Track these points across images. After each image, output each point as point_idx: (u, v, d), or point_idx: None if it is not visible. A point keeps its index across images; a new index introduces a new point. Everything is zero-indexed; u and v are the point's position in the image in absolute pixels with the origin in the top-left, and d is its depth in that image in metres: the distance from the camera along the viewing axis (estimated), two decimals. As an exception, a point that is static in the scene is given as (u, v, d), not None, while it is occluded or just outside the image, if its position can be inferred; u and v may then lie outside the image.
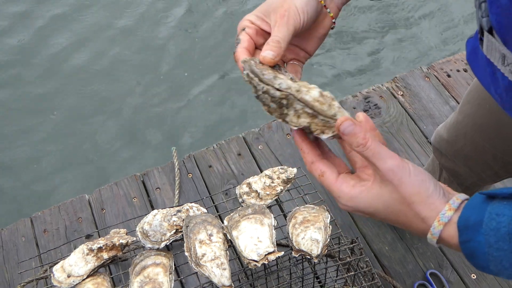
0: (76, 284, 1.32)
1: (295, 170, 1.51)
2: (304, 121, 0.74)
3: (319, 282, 1.71)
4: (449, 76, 2.49)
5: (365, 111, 2.36)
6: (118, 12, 3.94)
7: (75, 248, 1.40)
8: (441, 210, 0.65)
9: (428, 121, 2.32)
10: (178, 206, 1.48)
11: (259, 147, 2.24)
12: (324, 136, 0.73)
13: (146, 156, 3.09)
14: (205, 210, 1.47)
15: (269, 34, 0.83)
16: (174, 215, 1.41)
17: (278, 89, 0.74)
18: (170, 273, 1.31)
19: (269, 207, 1.45)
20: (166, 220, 1.40)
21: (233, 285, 1.27)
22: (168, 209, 1.46)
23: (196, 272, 1.30)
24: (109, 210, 2.08)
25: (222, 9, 3.99)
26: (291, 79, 0.77)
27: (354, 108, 2.37)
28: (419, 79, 2.49)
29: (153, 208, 2.06)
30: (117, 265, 1.76)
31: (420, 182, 0.66)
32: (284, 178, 1.48)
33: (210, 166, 2.19)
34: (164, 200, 2.09)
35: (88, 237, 1.97)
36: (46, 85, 3.50)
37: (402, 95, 2.42)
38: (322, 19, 0.87)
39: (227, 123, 3.26)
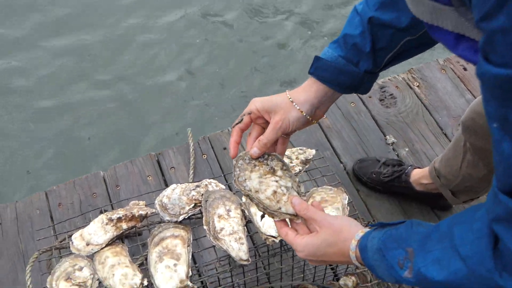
0: (95, 252, 1.34)
1: (313, 151, 1.52)
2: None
3: (331, 265, 1.72)
4: (465, 69, 2.48)
5: (380, 100, 2.37)
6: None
7: (90, 221, 1.42)
8: (357, 232, 0.94)
9: (444, 113, 2.32)
10: (196, 181, 1.49)
11: (274, 132, 2.24)
12: (275, 219, 1.03)
13: (160, 138, 3.11)
14: (223, 186, 1.48)
15: (267, 122, 1.07)
16: (193, 189, 1.43)
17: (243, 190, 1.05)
18: (188, 245, 1.32)
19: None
20: (185, 194, 1.42)
21: (250, 259, 1.28)
22: (187, 184, 1.47)
23: (214, 246, 1.32)
24: (124, 187, 2.09)
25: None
26: (270, 169, 1.06)
27: (370, 97, 2.37)
28: (435, 71, 2.49)
29: (167, 187, 2.07)
30: (130, 239, 1.78)
31: (345, 220, 0.97)
32: (303, 158, 1.49)
33: (224, 148, 2.20)
34: (179, 179, 2.10)
35: (104, 211, 1.98)
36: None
37: (418, 86, 2.42)
38: (309, 122, 1.10)
39: (242, 106, 3.26)
